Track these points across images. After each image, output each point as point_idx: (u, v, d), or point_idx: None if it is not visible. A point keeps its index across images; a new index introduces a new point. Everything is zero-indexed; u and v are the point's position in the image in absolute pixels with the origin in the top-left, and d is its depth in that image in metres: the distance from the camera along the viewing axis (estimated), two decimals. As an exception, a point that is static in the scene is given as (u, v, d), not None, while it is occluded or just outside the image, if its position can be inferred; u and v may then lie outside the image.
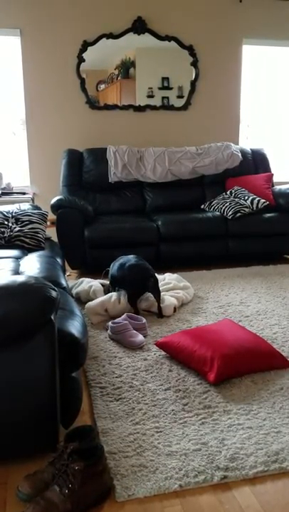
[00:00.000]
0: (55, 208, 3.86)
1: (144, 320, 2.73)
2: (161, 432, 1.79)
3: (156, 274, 3.02)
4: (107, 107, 4.71)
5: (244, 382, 2.15)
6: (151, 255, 3.96)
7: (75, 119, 4.68)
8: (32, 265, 2.49)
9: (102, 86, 4.69)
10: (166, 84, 4.78)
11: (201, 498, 1.48)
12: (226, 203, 4.22)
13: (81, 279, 3.41)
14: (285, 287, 3.54)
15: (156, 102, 4.79)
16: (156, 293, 2.96)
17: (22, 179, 4.71)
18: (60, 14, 4.44)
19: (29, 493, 1.45)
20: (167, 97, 4.81)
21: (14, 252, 2.81)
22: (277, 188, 4.46)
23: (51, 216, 4.01)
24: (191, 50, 4.76)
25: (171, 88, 4.80)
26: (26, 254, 2.82)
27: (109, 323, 2.68)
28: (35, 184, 4.66)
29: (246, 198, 4.26)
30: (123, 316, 2.72)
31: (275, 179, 4.67)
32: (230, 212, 4.11)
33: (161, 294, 3.05)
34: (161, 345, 2.40)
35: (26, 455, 1.65)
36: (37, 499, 1.40)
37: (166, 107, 4.82)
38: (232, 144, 4.67)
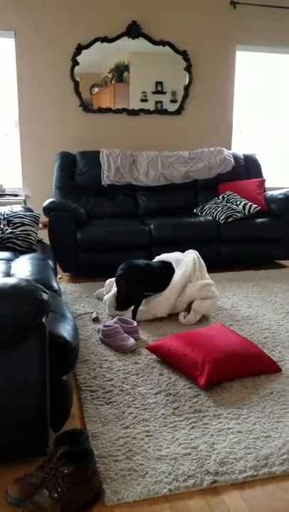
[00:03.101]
0: (47, 210, 3.85)
1: (136, 323, 2.73)
2: (151, 435, 1.78)
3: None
4: (101, 111, 4.71)
5: (234, 386, 2.15)
6: (144, 259, 3.95)
7: (68, 122, 4.67)
8: (23, 267, 2.48)
9: (96, 89, 4.70)
10: (159, 88, 4.80)
11: (191, 503, 1.48)
12: (218, 207, 4.24)
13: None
14: (276, 292, 3.56)
15: (150, 106, 4.81)
16: (128, 291, 2.93)
17: (14, 181, 4.69)
18: (55, 17, 4.45)
19: (18, 497, 1.44)
20: (161, 102, 4.83)
21: (5, 254, 2.80)
22: (269, 193, 4.49)
23: (43, 218, 4.00)
24: (185, 55, 4.78)
25: (164, 92, 4.82)
26: (18, 257, 2.81)
27: (101, 327, 2.67)
28: (27, 186, 4.65)
29: (238, 202, 4.28)
30: (114, 320, 2.72)
31: (266, 184, 4.70)
32: (222, 217, 4.13)
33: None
34: (152, 349, 2.41)
35: (15, 458, 1.64)
36: (26, 503, 1.39)
37: (160, 111, 4.84)
38: (224, 149, 4.70)
